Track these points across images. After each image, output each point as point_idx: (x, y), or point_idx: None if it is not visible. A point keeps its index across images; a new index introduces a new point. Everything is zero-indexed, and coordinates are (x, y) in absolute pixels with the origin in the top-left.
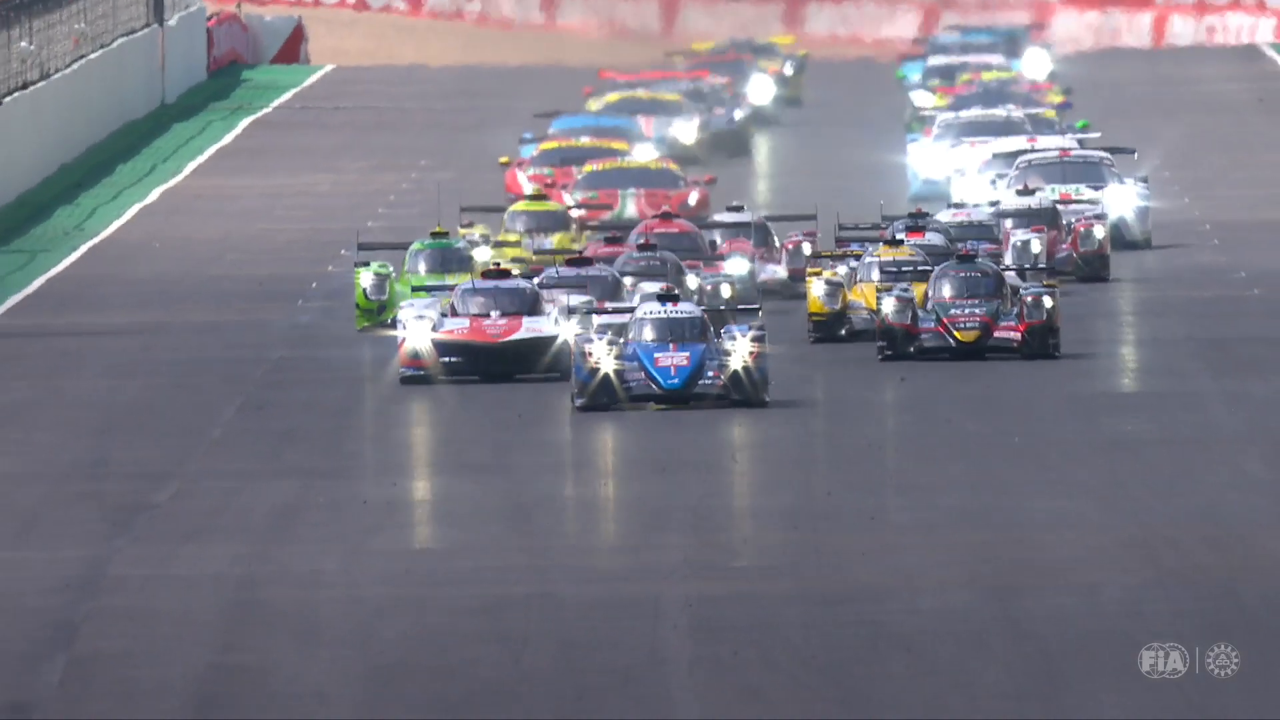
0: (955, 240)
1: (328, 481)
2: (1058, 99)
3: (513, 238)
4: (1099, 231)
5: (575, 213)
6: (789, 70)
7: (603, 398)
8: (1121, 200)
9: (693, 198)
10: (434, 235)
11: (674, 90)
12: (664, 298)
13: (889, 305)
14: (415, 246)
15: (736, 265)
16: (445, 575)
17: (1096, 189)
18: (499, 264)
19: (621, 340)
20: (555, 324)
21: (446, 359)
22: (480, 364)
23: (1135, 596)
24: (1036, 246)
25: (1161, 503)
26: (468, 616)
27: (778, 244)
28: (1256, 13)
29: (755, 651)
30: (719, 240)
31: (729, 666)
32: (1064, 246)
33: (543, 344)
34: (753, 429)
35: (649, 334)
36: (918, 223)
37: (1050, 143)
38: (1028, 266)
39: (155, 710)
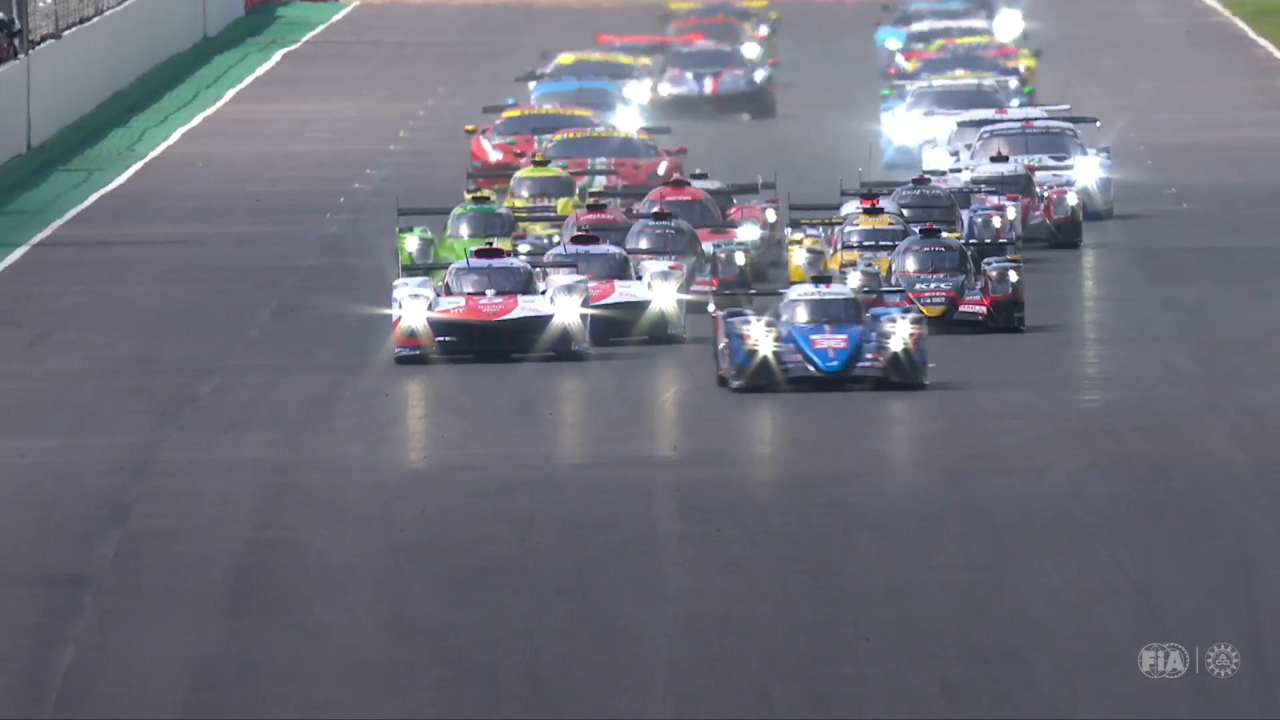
0: (910, 221)
1: (353, 377)
2: (1029, 63)
3: (519, 204)
4: (1071, 199)
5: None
6: (763, 32)
7: (761, 380)
8: (1084, 171)
9: (662, 168)
10: (475, 199)
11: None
12: (817, 279)
13: (854, 280)
14: (457, 211)
15: (748, 232)
16: (458, 461)
17: (1059, 159)
18: (491, 242)
19: (777, 321)
20: (551, 303)
21: (442, 338)
22: (476, 342)
23: (1077, 480)
24: (997, 222)
25: (1101, 395)
26: (479, 498)
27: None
28: None
29: (737, 529)
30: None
31: (713, 542)
32: (1037, 214)
33: (539, 323)
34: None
35: (802, 315)
36: (873, 195)
37: (1016, 114)
38: (988, 241)
39: (201, 580)
